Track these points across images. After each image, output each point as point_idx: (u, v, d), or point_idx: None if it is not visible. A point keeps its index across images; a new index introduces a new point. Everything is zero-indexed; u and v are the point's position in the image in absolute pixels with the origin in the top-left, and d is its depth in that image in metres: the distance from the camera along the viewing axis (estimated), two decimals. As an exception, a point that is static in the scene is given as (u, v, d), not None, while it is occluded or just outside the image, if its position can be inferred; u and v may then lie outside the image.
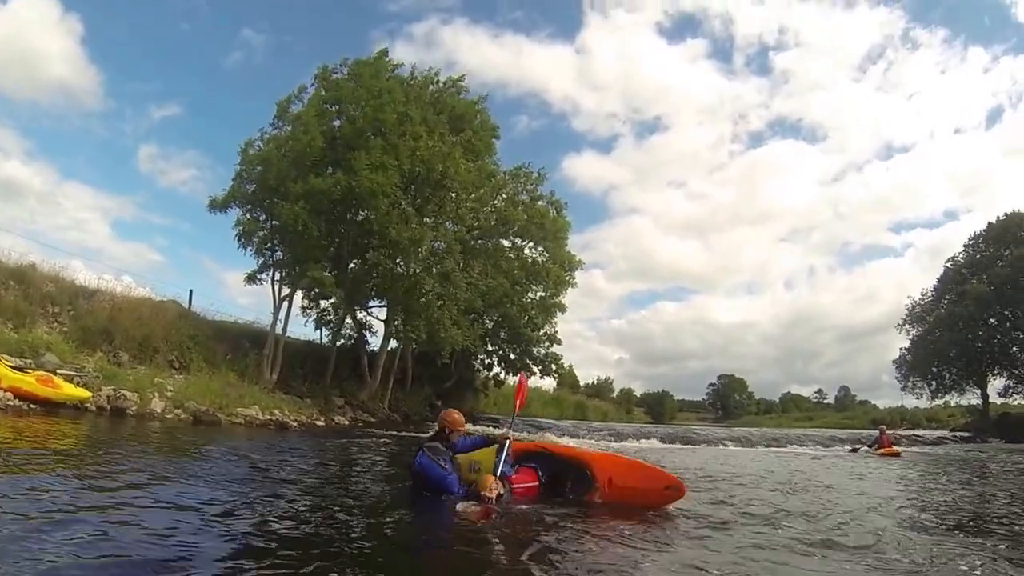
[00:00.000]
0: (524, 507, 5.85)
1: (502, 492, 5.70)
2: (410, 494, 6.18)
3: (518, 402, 7.26)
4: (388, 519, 5.24)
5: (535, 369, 28.46)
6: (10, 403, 9.75)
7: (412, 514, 5.64)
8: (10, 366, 10.36)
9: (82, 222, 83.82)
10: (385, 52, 21.78)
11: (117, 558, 3.11)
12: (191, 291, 19.65)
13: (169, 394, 12.96)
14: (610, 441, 19.69)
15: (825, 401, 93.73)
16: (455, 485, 5.80)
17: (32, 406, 10.02)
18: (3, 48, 59.99)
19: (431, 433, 6.41)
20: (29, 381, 10.22)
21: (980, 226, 40.63)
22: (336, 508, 5.36)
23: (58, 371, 11.17)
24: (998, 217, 39.30)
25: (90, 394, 11.11)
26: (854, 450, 19.18)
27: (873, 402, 66.80)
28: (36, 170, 77.92)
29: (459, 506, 5.54)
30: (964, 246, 41.31)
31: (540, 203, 27.82)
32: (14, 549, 3.03)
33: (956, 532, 5.48)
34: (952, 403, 42.64)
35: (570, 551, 4.25)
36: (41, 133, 74.95)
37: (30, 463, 5.80)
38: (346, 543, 4.12)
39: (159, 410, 12.24)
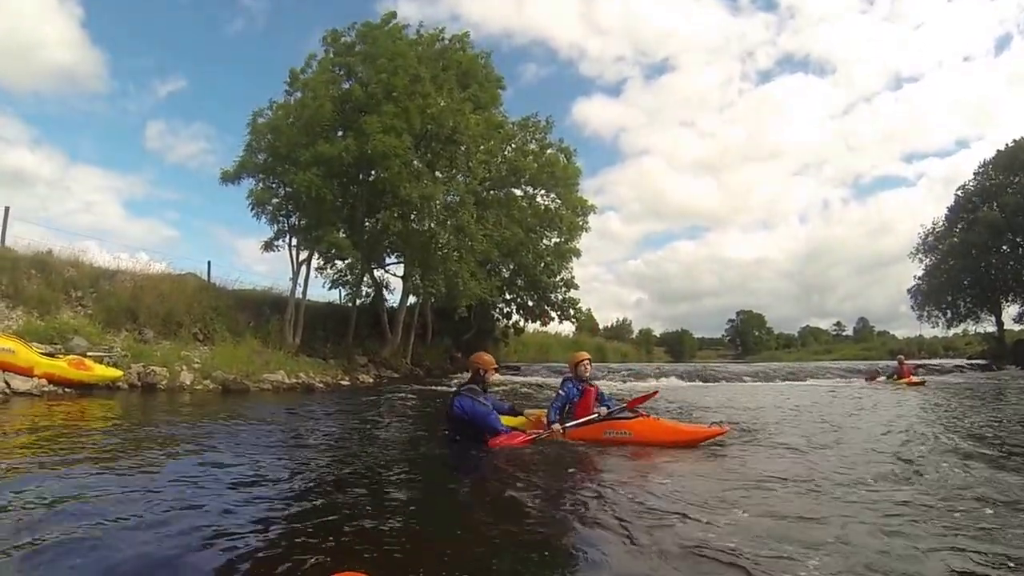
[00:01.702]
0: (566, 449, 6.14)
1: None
2: (447, 444, 6.45)
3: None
4: (428, 472, 5.48)
5: (553, 314, 28.80)
6: (46, 388, 10.18)
7: (452, 465, 5.89)
8: (42, 353, 10.75)
9: (93, 204, 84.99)
10: (393, 15, 21.51)
11: (160, 530, 3.34)
12: (209, 263, 20.01)
13: (196, 366, 13.41)
14: (632, 382, 20.02)
15: (844, 334, 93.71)
16: (498, 422, 6.14)
17: (67, 390, 10.44)
18: (4, 38, 59.49)
19: (467, 378, 6.69)
20: (62, 366, 10.63)
21: (990, 153, 39.74)
22: (374, 464, 5.59)
23: (88, 353, 11.57)
24: (1007, 144, 38.44)
25: (121, 373, 11.53)
26: (871, 378, 19.27)
27: (892, 332, 66.69)
28: (43, 157, 78.83)
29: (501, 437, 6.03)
30: (974, 174, 40.53)
31: (550, 151, 27.62)
32: (69, 524, 3.30)
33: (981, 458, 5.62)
34: (970, 331, 42.45)
35: (614, 494, 4.41)
36: (46, 120, 75.76)
37: (76, 443, 6.10)
38: (388, 501, 4.34)
39: (188, 382, 12.69)
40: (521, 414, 6.83)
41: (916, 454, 5.73)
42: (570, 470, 5.41)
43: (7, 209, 15.65)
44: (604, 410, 6.63)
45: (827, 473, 4.91)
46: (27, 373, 10.14)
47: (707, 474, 5.08)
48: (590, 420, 6.45)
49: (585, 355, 7.00)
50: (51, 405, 9.15)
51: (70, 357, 11.05)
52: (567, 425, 6.42)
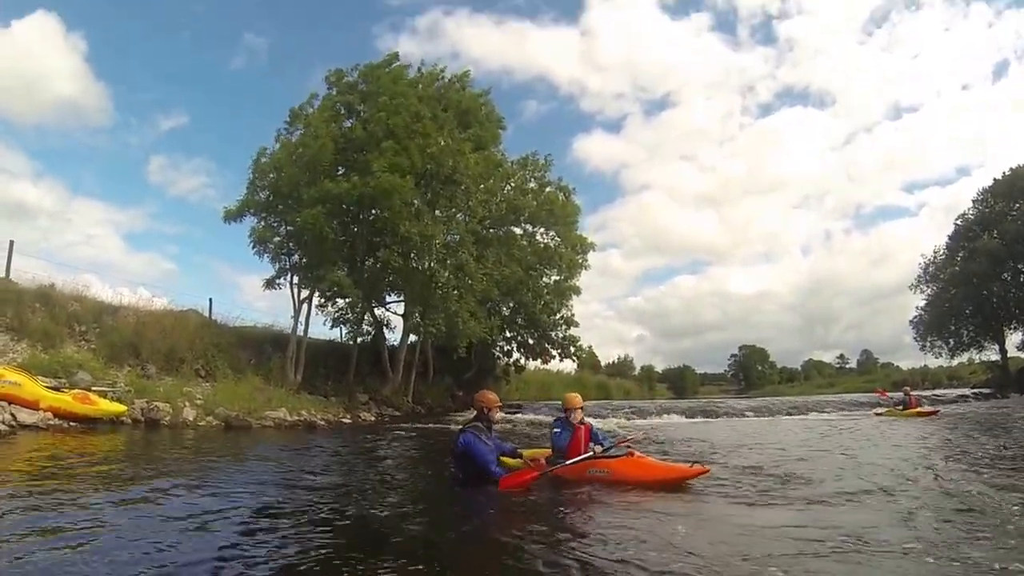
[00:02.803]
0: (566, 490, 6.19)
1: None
2: (450, 483, 6.50)
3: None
4: (432, 512, 5.45)
5: (554, 353, 28.71)
6: (51, 422, 10.03)
7: (456, 505, 5.89)
8: (47, 387, 10.64)
9: (94, 237, 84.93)
10: (396, 56, 21.99)
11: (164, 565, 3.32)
12: (210, 300, 19.93)
13: (199, 402, 13.27)
14: (634, 419, 19.84)
15: (847, 366, 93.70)
16: (493, 464, 6.20)
17: (72, 424, 10.31)
18: (7, 72, 60.38)
19: (472, 416, 6.72)
20: (67, 400, 10.50)
21: (989, 181, 40.06)
22: (375, 504, 5.61)
23: (92, 388, 11.45)
24: (1004, 172, 38.86)
25: (125, 408, 11.40)
26: (879, 414, 19.16)
27: (896, 363, 66.05)
28: (45, 189, 78.98)
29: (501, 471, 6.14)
30: (973, 202, 40.82)
31: (549, 189, 27.90)
32: (71, 555, 3.30)
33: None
34: (976, 360, 42.16)
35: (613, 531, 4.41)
36: (48, 153, 76.35)
37: (79, 477, 6.10)
38: (394, 537, 4.30)
39: (191, 418, 12.54)
40: (521, 456, 6.86)
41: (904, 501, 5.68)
42: (566, 510, 5.44)
43: (11, 243, 15.71)
44: (599, 448, 6.67)
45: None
46: (33, 406, 10.01)
47: (686, 514, 5.02)
48: (585, 458, 6.51)
49: (577, 399, 7.08)
50: (56, 438, 9.08)
51: (75, 391, 10.92)
52: (567, 463, 6.47)
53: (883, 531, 4.06)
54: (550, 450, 6.95)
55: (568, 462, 6.47)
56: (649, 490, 5.90)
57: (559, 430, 6.87)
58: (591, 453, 6.55)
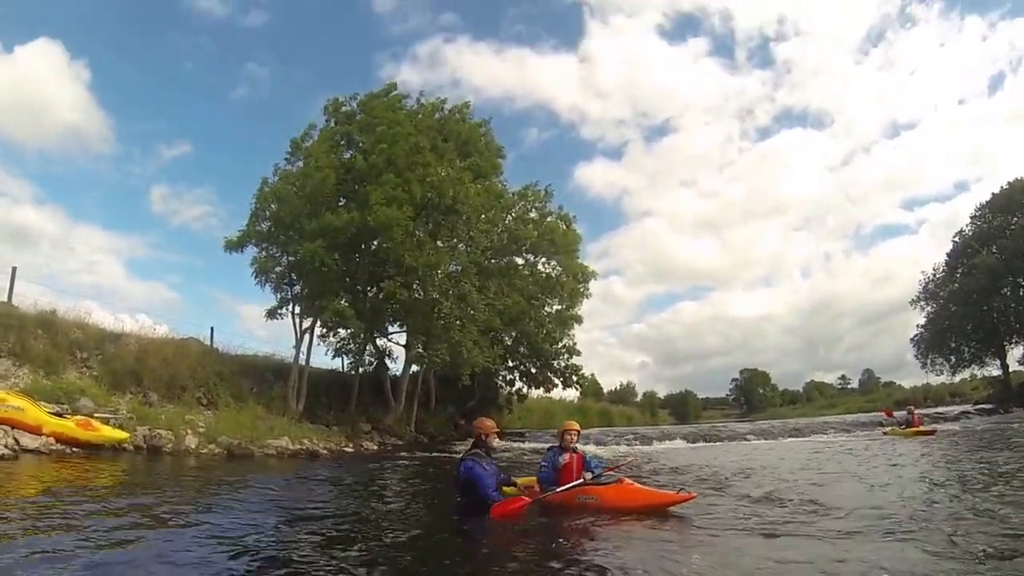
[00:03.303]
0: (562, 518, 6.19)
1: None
2: (451, 510, 6.63)
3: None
4: (432, 541, 5.49)
5: (556, 381, 28.57)
6: (53, 447, 9.96)
7: (457, 535, 5.92)
8: (50, 412, 10.58)
9: (95, 264, 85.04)
10: (394, 86, 22.34)
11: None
12: (212, 328, 19.91)
13: (201, 430, 13.17)
14: (635, 445, 19.71)
15: (849, 386, 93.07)
16: (491, 489, 6.35)
17: (74, 449, 10.23)
18: (10, 97, 61.17)
19: (471, 444, 6.86)
20: (70, 426, 10.45)
21: (987, 197, 40.14)
22: (378, 532, 5.67)
23: (95, 414, 11.39)
24: (1001, 187, 38.91)
25: (128, 435, 11.32)
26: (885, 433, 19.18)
27: (898, 382, 65.34)
28: (48, 216, 79.63)
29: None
30: (971, 218, 40.83)
31: (550, 219, 28.02)
32: None
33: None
34: (978, 375, 41.65)
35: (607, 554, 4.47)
36: (51, 179, 77.01)
37: (81, 502, 6.06)
38: (392, 567, 4.33)
39: (193, 446, 12.44)
40: (515, 484, 6.94)
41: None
42: (562, 540, 5.41)
43: (14, 269, 15.76)
44: (589, 475, 6.70)
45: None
46: (35, 431, 9.95)
47: (701, 544, 4.97)
48: (576, 485, 6.56)
49: (572, 425, 7.14)
50: (59, 464, 9.03)
51: (77, 417, 10.87)
52: (559, 489, 6.53)
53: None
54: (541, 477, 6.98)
55: (559, 489, 6.53)
56: (663, 519, 5.90)
57: (553, 456, 6.91)
58: (582, 480, 6.60)
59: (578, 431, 7.10)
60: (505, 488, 6.77)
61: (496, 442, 6.97)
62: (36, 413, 10.21)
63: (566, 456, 6.85)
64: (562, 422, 7.40)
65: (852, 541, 4.51)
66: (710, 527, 5.39)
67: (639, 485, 6.72)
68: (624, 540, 5.16)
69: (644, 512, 6.05)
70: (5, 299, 15.02)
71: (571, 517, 6.07)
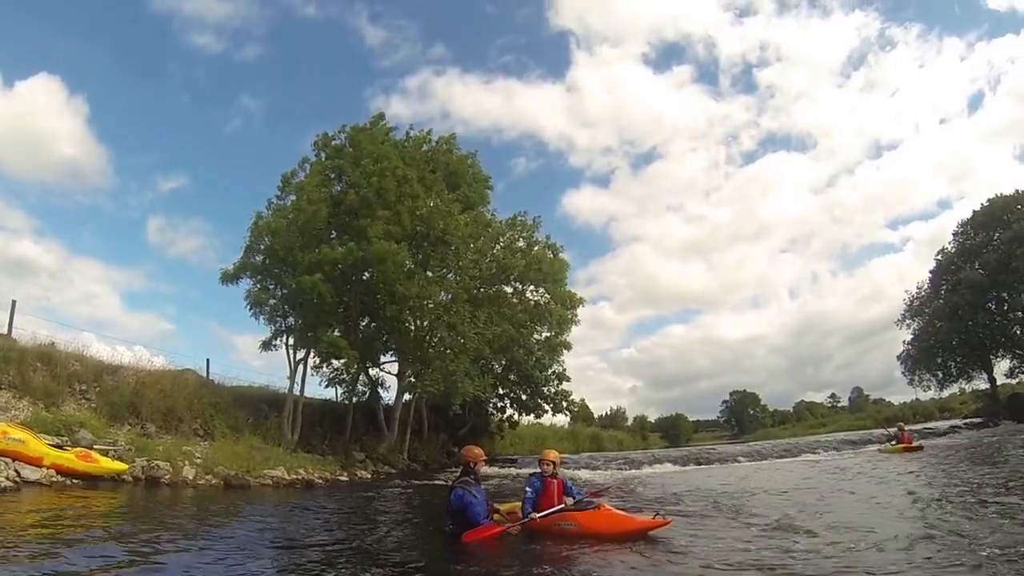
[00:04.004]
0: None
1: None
2: (445, 537, 6.85)
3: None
4: (430, 568, 5.72)
5: (547, 407, 28.80)
6: (54, 479, 10.11)
7: (453, 561, 6.07)
8: (50, 444, 10.75)
9: (93, 296, 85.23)
10: (382, 116, 22.77)
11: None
12: (208, 360, 20.12)
13: (198, 461, 13.30)
14: (625, 470, 19.90)
15: (839, 405, 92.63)
16: (480, 515, 6.72)
17: (74, 481, 10.37)
18: (11, 132, 61.52)
19: (459, 471, 7.23)
20: (70, 458, 10.59)
21: (969, 213, 40.98)
22: (376, 558, 5.96)
23: (94, 446, 11.57)
24: (982, 204, 39.75)
25: (126, 466, 11.47)
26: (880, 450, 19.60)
27: (887, 399, 65.64)
28: (46, 248, 79.68)
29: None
30: (953, 235, 41.68)
31: (537, 248, 28.37)
32: None
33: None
34: (967, 390, 42.37)
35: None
36: (50, 211, 77.45)
37: (82, 532, 6.28)
38: None
39: (191, 477, 12.56)
40: (498, 511, 7.21)
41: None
42: (548, 567, 5.60)
43: (14, 302, 16.01)
44: (570, 500, 7.02)
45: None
46: (36, 463, 10.08)
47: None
48: (556, 511, 6.85)
49: (551, 454, 7.48)
50: (60, 495, 9.17)
51: (77, 449, 11.04)
52: (538, 516, 6.82)
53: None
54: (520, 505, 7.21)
55: (539, 515, 6.80)
56: (644, 543, 6.12)
57: (534, 483, 7.15)
58: (563, 506, 6.89)
59: (555, 460, 7.39)
60: (495, 516, 7.04)
61: (483, 468, 7.34)
62: (37, 445, 10.34)
63: (546, 483, 7.13)
64: (543, 450, 7.70)
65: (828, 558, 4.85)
66: (687, 550, 5.69)
67: (617, 511, 6.96)
68: (608, 566, 5.39)
69: (622, 538, 6.29)
70: (5, 331, 15.23)
71: (554, 542, 6.34)
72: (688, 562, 5.23)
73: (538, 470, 7.36)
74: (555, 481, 7.18)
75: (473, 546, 6.22)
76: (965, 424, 28.55)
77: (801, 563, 4.70)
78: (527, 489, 7.10)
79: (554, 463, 7.33)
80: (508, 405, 29.26)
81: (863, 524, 6.16)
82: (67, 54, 75.97)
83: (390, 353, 23.04)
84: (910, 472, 11.97)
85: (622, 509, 7.25)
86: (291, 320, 19.78)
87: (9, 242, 66.23)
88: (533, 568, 5.47)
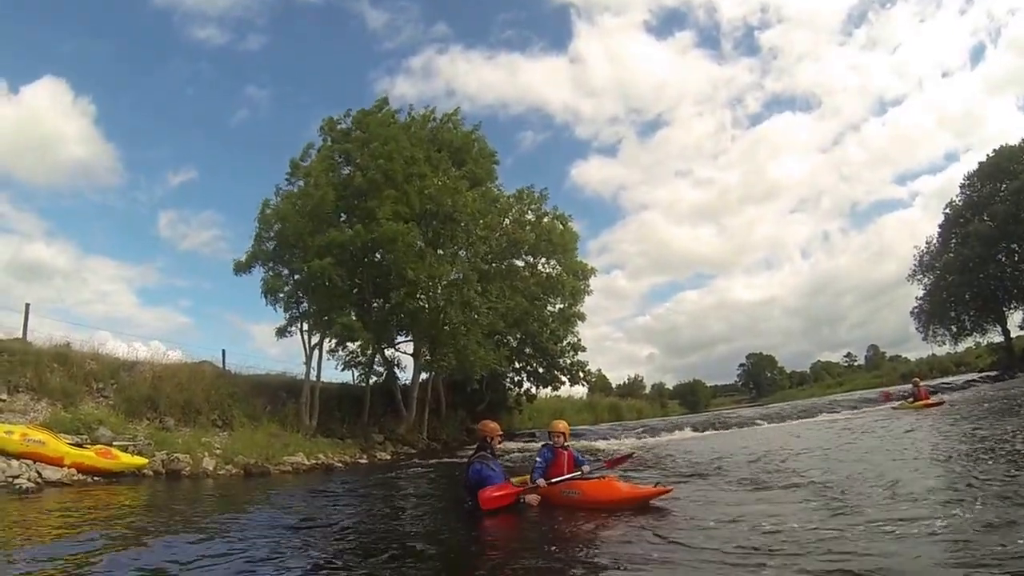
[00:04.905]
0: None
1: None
2: (464, 515, 6.86)
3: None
4: (451, 543, 5.73)
5: (564, 379, 28.85)
6: (75, 478, 10.25)
7: (473, 538, 6.10)
8: (70, 443, 10.89)
9: (107, 294, 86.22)
10: (385, 101, 22.63)
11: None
12: (223, 351, 20.24)
13: (218, 452, 13.46)
14: (644, 438, 19.93)
15: (856, 363, 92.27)
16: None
17: (96, 478, 10.52)
18: (19, 137, 61.86)
19: (475, 446, 7.38)
20: (90, 455, 10.74)
21: (975, 165, 40.38)
22: (395, 537, 5.96)
23: (114, 443, 11.71)
24: (988, 155, 39.11)
25: (147, 460, 11.62)
26: (886, 398, 19.44)
27: (904, 356, 65.30)
28: (59, 249, 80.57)
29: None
30: (960, 187, 41.10)
31: (546, 219, 28.27)
32: None
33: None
34: (983, 343, 41.81)
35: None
36: (61, 213, 77.88)
37: (107, 529, 6.31)
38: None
39: (211, 468, 12.71)
40: (510, 481, 7.32)
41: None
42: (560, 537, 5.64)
43: (27, 306, 16.11)
44: (579, 472, 7.21)
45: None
46: (57, 463, 10.24)
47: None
48: (567, 478, 7.04)
49: (560, 425, 7.61)
50: (82, 493, 9.27)
51: (97, 447, 11.18)
52: (550, 481, 7.02)
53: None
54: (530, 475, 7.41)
55: (549, 481, 6.99)
56: (651, 512, 6.11)
57: (544, 453, 7.34)
58: (571, 475, 7.06)
59: (565, 431, 7.55)
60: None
61: (500, 443, 7.49)
62: (57, 445, 10.49)
63: (556, 453, 7.31)
64: (553, 422, 7.79)
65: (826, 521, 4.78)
66: (692, 517, 5.67)
67: (621, 481, 7.05)
68: (625, 542, 5.21)
69: (625, 506, 6.35)
70: (20, 335, 15.39)
71: (566, 517, 6.33)
72: (691, 528, 5.23)
73: (549, 442, 7.51)
74: (565, 452, 7.37)
75: (490, 521, 6.30)
76: (980, 378, 28.19)
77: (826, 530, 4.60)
78: (537, 459, 7.31)
79: (564, 434, 7.50)
80: (525, 379, 29.41)
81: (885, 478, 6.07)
82: (71, 56, 76.02)
83: (405, 333, 23.07)
84: (931, 427, 11.84)
85: (633, 480, 7.45)
86: (305, 305, 19.82)
87: (22, 246, 67.23)
88: (551, 544, 5.41)
